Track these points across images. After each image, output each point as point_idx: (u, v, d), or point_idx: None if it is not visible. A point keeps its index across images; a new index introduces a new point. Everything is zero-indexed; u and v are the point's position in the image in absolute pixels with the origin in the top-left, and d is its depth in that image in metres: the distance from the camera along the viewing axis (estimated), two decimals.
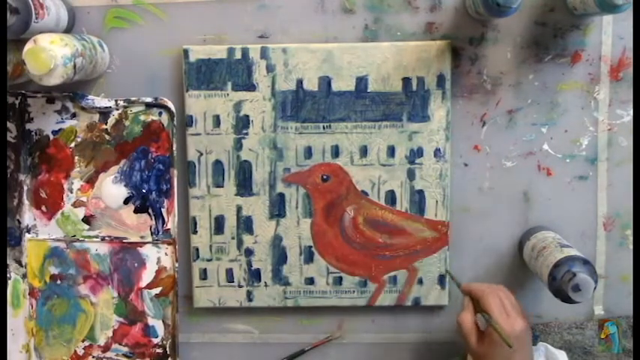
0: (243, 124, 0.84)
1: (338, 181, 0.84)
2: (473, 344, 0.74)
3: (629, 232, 0.84)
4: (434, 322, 0.88)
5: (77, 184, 0.86)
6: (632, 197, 0.82)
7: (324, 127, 0.83)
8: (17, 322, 0.88)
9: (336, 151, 0.84)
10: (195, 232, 0.86)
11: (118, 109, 0.85)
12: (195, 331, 0.89)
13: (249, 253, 0.86)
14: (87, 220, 0.87)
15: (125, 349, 0.88)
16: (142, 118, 0.85)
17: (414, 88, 0.82)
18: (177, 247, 0.86)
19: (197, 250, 0.86)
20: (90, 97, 0.85)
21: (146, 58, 0.84)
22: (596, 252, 0.85)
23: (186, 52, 0.83)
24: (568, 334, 0.84)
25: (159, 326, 0.87)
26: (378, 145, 0.83)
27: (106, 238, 0.87)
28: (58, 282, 0.87)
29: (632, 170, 0.82)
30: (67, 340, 0.88)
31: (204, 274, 0.86)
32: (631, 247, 0.85)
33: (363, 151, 0.83)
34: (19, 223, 0.87)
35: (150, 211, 0.86)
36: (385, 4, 0.82)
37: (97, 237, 0.87)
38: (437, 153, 0.83)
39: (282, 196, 0.84)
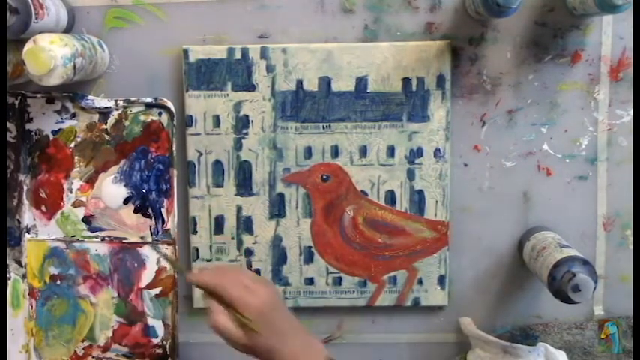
0: (242, 124, 0.84)
1: (338, 181, 0.84)
2: (242, 339, 0.67)
3: (629, 232, 0.84)
4: (434, 322, 0.87)
5: (77, 184, 0.86)
6: (632, 197, 0.81)
7: (323, 127, 0.83)
8: (17, 322, 0.88)
9: (335, 152, 0.84)
10: (195, 232, 0.86)
11: (117, 109, 0.85)
12: (195, 331, 0.89)
13: (249, 253, 0.86)
14: (87, 220, 0.87)
15: (125, 349, 0.88)
16: (142, 118, 0.85)
17: (414, 88, 0.82)
18: (177, 247, 0.86)
19: (197, 250, 0.86)
20: (90, 97, 0.85)
21: (146, 58, 0.84)
22: (595, 252, 0.85)
23: (186, 52, 0.83)
24: (568, 335, 0.84)
25: (159, 326, 0.87)
26: (378, 146, 0.83)
27: (106, 238, 0.87)
28: (58, 282, 0.87)
29: (632, 170, 0.82)
30: (67, 340, 0.88)
31: None
32: (631, 247, 0.85)
33: (363, 152, 0.83)
34: (19, 223, 0.87)
35: (150, 211, 0.86)
36: (385, 4, 0.82)
37: (96, 237, 0.87)
38: (437, 153, 0.83)
39: (281, 196, 0.84)
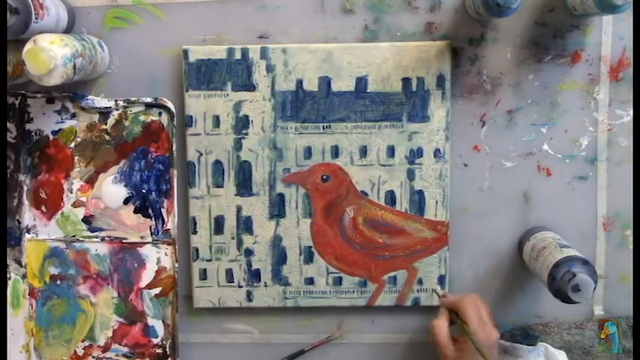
0: (242, 124, 0.84)
1: (338, 181, 0.84)
2: (451, 352, 0.76)
3: (629, 232, 0.84)
4: None
5: (77, 184, 0.86)
6: (632, 197, 0.82)
7: (323, 128, 0.83)
8: (17, 322, 0.88)
9: (335, 152, 0.84)
10: (195, 232, 0.86)
11: (117, 110, 0.85)
12: (195, 331, 0.89)
13: (249, 253, 0.86)
14: (87, 220, 0.87)
15: (125, 350, 0.88)
16: (142, 118, 0.85)
17: (414, 88, 0.82)
18: (177, 247, 0.86)
19: (197, 250, 0.86)
20: (90, 97, 0.85)
21: (146, 58, 0.84)
22: (596, 252, 0.85)
23: (185, 52, 0.83)
24: (568, 335, 0.84)
25: (159, 326, 0.87)
26: (378, 146, 0.83)
27: (106, 238, 0.87)
28: (58, 282, 0.87)
29: (632, 170, 0.82)
30: (67, 341, 0.88)
31: (204, 275, 0.86)
32: (631, 247, 0.85)
33: (363, 152, 0.83)
34: (19, 223, 0.87)
35: (150, 211, 0.86)
36: (385, 4, 0.82)
37: (96, 237, 0.87)
38: (437, 153, 0.83)
39: (281, 196, 0.84)
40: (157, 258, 0.86)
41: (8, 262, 0.87)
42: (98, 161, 0.86)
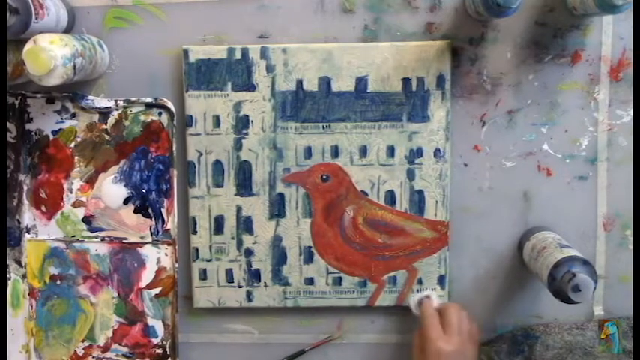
0: (242, 124, 0.84)
1: (338, 181, 0.84)
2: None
3: (629, 232, 0.84)
4: None
5: (77, 184, 0.86)
6: (632, 197, 0.81)
7: (323, 128, 0.83)
8: (17, 322, 0.88)
9: (335, 152, 0.84)
10: (194, 232, 0.86)
11: (117, 110, 0.85)
12: (195, 331, 0.89)
13: (248, 253, 0.86)
14: (87, 220, 0.87)
15: (125, 350, 0.88)
16: (142, 118, 0.85)
17: (414, 88, 0.82)
18: (176, 247, 0.86)
19: (197, 250, 0.86)
20: (90, 97, 0.85)
21: (146, 58, 0.84)
22: (595, 252, 0.85)
23: (185, 52, 0.83)
24: (568, 335, 0.84)
25: (159, 326, 0.87)
26: (378, 146, 0.83)
27: (106, 238, 0.87)
28: (58, 282, 0.87)
29: (632, 170, 0.82)
30: (67, 340, 0.88)
31: (203, 275, 0.86)
32: (631, 247, 0.85)
33: (363, 152, 0.83)
34: (19, 223, 0.87)
35: (150, 211, 0.86)
36: (385, 4, 0.82)
37: (96, 237, 0.87)
38: (437, 153, 0.83)
39: (281, 196, 0.84)
40: (156, 258, 0.86)
41: (8, 262, 0.87)
42: (98, 161, 0.86)
